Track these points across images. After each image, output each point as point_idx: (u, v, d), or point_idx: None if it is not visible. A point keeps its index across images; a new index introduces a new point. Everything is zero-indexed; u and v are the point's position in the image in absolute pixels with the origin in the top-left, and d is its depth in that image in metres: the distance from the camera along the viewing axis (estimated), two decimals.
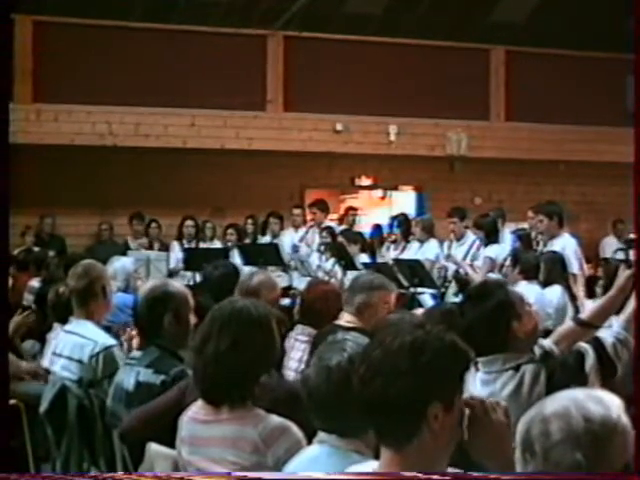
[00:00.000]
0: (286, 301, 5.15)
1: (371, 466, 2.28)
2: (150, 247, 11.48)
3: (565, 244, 8.00)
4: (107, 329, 5.08)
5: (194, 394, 3.18)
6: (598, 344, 3.43)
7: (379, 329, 3.65)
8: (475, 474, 2.20)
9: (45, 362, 5.72)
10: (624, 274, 3.64)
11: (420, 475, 2.17)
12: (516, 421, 3.20)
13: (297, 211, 11.53)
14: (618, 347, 3.42)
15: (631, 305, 3.47)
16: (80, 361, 4.65)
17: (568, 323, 3.85)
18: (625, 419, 1.92)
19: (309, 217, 11.42)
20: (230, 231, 11.26)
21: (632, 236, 3.56)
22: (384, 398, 2.14)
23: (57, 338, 5.13)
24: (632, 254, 3.61)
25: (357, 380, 2.20)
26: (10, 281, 8.07)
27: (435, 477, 2.18)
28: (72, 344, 4.76)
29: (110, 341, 4.68)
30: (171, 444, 3.25)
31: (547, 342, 3.69)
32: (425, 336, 2.20)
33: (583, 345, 3.46)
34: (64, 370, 4.73)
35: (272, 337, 3.09)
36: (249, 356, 3.00)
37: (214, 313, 3.14)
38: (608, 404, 1.93)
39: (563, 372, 3.42)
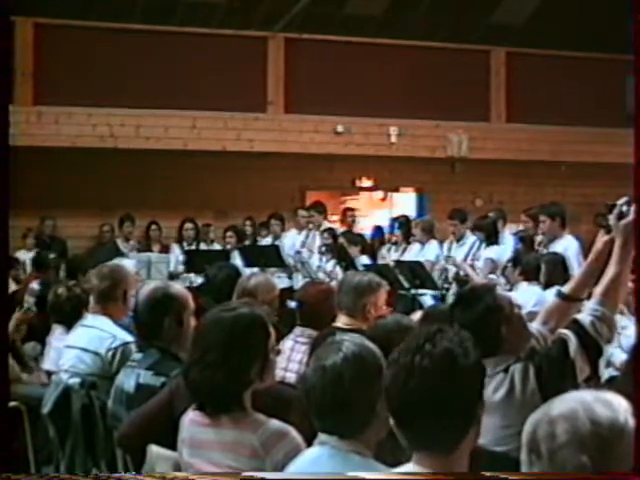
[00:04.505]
0: (292, 304, 5.11)
1: (406, 468, 2.28)
2: (149, 249, 11.42)
3: (567, 245, 8.00)
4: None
5: (186, 395, 3.16)
6: (578, 327, 3.44)
7: (378, 333, 3.67)
8: (483, 474, 2.20)
9: (46, 364, 5.74)
10: (602, 239, 3.60)
11: (430, 477, 2.17)
12: (512, 421, 3.24)
13: (303, 212, 11.46)
14: (597, 324, 3.42)
15: (606, 278, 3.47)
16: (96, 353, 4.65)
17: (552, 299, 3.84)
18: (632, 422, 1.92)
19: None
20: (229, 233, 11.22)
21: (616, 202, 3.50)
22: (435, 405, 2.17)
23: (72, 332, 5.15)
24: (611, 219, 3.55)
25: (397, 387, 2.21)
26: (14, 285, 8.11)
27: (441, 477, 2.18)
28: (89, 336, 4.75)
29: (128, 337, 4.65)
30: (168, 446, 3.26)
31: (535, 325, 3.71)
32: (467, 341, 2.27)
33: (564, 332, 3.47)
34: (77, 361, 4.72)
35: (264, 342, 3.04)
36: (242, 364, 2.97)
37: (203, 323, 3.12)
38: (616, 407, 1.92)
39: (550, 364, 3.44)
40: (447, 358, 2.20)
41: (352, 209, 13.00)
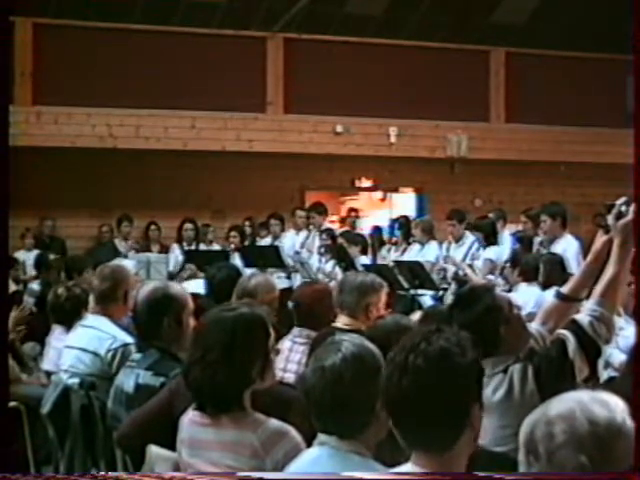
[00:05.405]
0: (290, 305, 5.11)
1: (405, 468, 2.28)
2: (148, 250, 11.40)
3: (567, 246, 7.99)
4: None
5: (185, 395, 3.16)
6: (576, 327, 3.43)
7: (377, 334, 3.67)
8: (479, 474, 2.21)
9: (45, 365, 5.74)
10: (600, 239, 3.60)
11: (427, 477, 2.17)
12: (511, 422, 3.24)
13: (301, 213, 11.43)
14: (595, 324, 3.42)
15: (605, 278, 3.47)
16: (95, 353, 4.65)
17: (551, 300, 3.84)
18: (630, 422, 1.92)
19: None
20: (233, 233, 11.21)
21: (615, 202, 3.51)
22: (428, 403, 2.17)
23: (72, 332, 5.15)
24: (609, 219, 3.55)
25: (392, 386, 2.22)
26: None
27: (439, 477, 2.18)
28: (89, 337, 4.75)
29: (128, 338, 4.65)
30: (168, 446, 3.26)
31: (534, 325, 3.71)
32: (465, 341, 2.27)
33: (562, 332, 3.47)
34: (77, 362, 4.72)
35: (265, 342, 3.05)
36: (244, 363, 2.97)
37: (204, 322, 3.12)
38: (613, 407, 1.93)
39: (549, 365, 3.44)
40: (441, 357, 2.20)
41: (356, 210, 13.03)
